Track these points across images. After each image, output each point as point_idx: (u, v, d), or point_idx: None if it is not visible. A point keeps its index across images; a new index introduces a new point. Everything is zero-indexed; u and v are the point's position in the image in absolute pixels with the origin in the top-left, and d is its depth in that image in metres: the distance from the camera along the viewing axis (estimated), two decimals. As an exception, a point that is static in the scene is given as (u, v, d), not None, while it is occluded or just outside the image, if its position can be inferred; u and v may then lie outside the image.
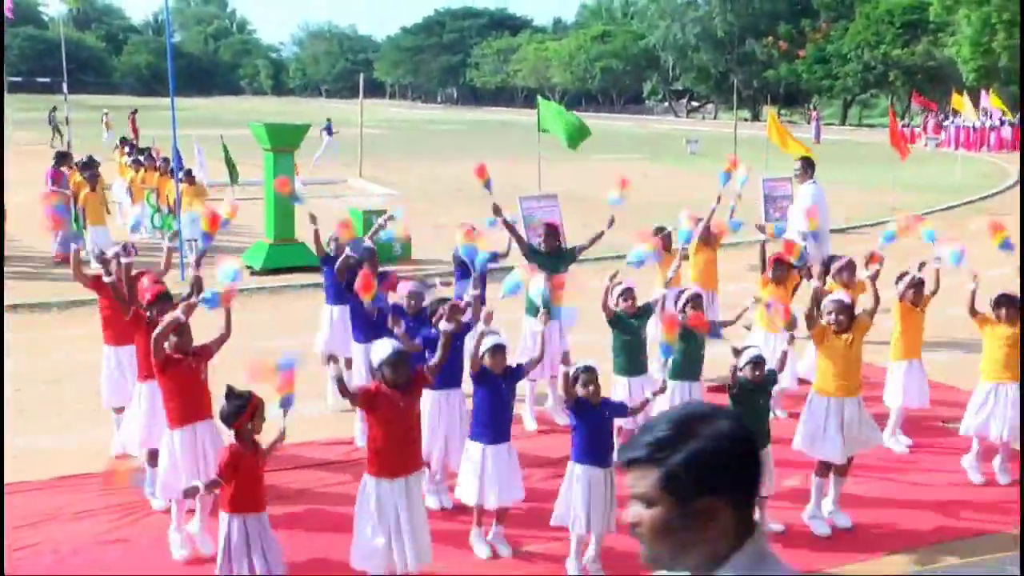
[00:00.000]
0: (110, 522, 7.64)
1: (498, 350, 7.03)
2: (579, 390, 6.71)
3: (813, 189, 14.12)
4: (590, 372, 6.73)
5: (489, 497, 7.04)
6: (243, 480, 6.14)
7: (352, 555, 6.42)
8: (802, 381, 10.13)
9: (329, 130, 40.43)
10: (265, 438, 6.36)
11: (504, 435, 7.15)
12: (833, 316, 7.72)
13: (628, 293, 8.73)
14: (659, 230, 11.07)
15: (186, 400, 6.97)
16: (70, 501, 8.00)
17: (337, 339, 10.06)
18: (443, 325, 6.98)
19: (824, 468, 7.74)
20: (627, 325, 8.74)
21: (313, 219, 10.09)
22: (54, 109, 47.00)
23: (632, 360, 8.78)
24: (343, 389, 6.30)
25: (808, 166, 14.47)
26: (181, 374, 6.91)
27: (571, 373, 6.78)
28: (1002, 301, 8.52)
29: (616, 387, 8.56)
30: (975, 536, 7.58)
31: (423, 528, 6.41)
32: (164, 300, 7.61)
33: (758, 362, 7.23)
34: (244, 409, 6.16)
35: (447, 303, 7.74)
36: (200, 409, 7.03)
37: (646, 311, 8.79)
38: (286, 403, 6.12)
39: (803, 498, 7.86)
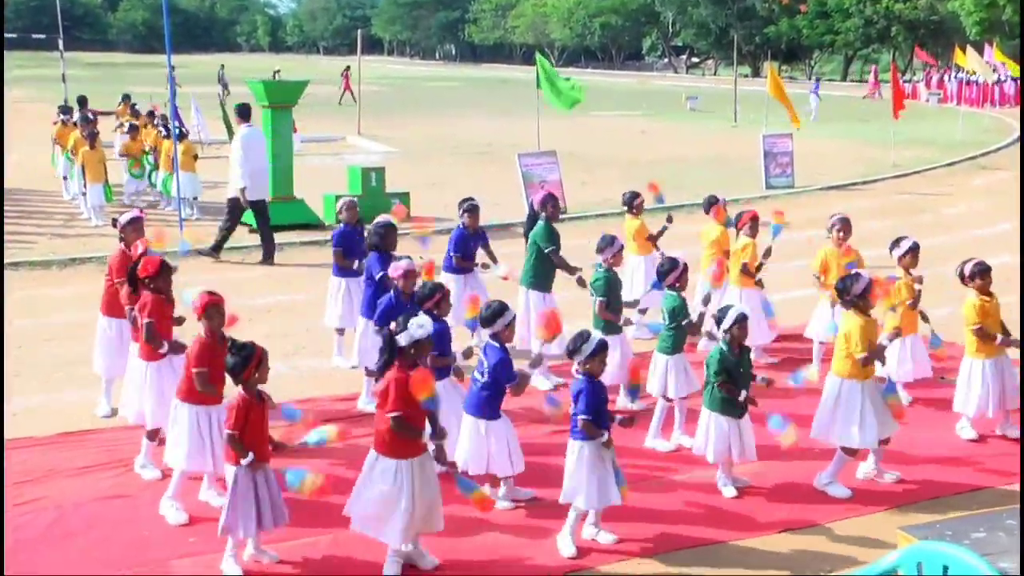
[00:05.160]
0: (112, 478, 7.68)
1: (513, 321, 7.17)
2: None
3: (246, 132, 14.79)
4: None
5: (501, 467, 7.11)
6: (250, 432, 6.19)
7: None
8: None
9: None
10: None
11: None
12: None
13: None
14: (633, 196, 11.27)
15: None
16: (71, 457, 8.03)
17: (346, 312, 10.11)
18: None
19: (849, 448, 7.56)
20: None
21: None
22: (222, 67, 50.41)
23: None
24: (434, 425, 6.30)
25: (242, 111, 15.01)
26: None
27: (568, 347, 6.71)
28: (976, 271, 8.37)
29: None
30: (974, 491, 7.59)
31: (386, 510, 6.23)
32: (165, 273, 7.61)
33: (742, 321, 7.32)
34: (250, 360, 6.20)
35: (441, 290, 7.67)
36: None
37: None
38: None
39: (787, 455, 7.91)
